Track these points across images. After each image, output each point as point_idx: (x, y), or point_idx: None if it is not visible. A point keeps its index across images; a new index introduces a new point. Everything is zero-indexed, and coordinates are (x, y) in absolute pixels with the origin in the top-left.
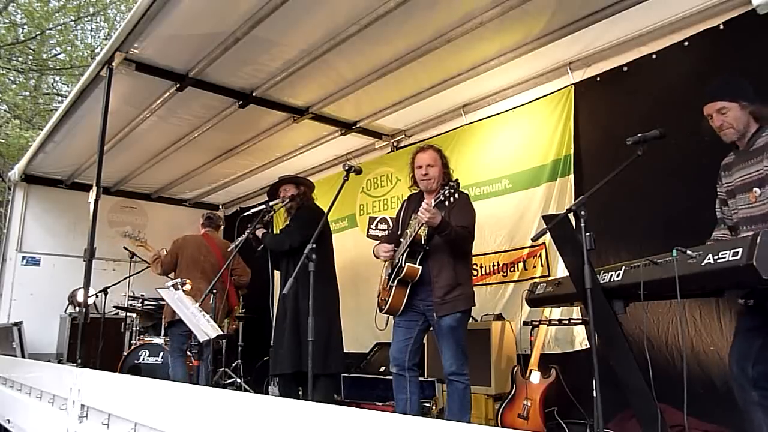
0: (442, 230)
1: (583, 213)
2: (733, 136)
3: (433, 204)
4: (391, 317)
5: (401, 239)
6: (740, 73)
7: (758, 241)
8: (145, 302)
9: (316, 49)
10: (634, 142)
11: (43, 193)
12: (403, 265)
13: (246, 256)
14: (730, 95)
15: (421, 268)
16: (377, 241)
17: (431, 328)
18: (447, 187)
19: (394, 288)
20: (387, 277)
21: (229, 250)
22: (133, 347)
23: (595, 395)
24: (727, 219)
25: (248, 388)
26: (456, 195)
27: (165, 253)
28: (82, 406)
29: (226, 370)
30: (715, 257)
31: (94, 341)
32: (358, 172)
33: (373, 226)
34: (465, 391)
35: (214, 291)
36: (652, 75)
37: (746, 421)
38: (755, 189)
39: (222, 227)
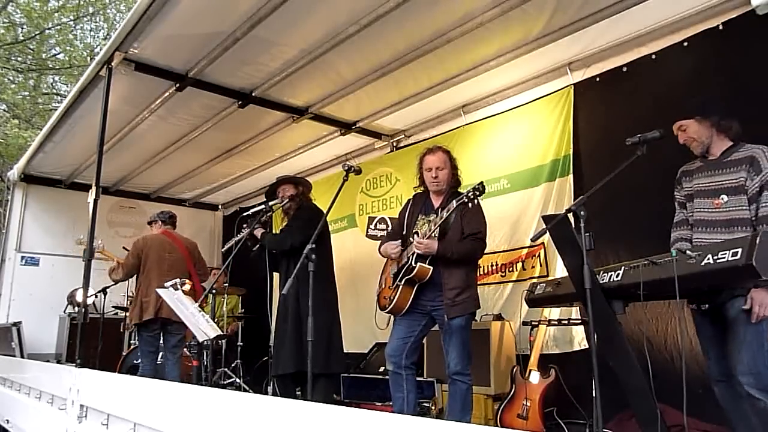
0: (443, 255)
1: (582, 213)
2: (698, 148)
3: (455, 205)
4: (391, 316)
5: (410, 238)
6: (739, 74)
7: (758, 241)
8: None
9: (315, 49)
10: (634, 142)
11: (43, 193)
12: (413, 265)
13: (242, 257)
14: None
15: (432, 268)
16: (378, 241)
17: (434, 328)
18: (473, 190)
19: (400, 287)
20: (392, 276)
21: (223, 250)
22: (132, 347)
23: (594, 395)
24: (689, 219)
25: (248, 389)
26: (479, 199)
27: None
28: (81, 406)
29: (226, 370)
30: (715, 257)
31: (94, 341)
32: (358, 172)
33: (372, 226)
34: (467, 391)
35: (214, 291)
36: (651, 75)
37: (735, 418)
38: (722, 196)
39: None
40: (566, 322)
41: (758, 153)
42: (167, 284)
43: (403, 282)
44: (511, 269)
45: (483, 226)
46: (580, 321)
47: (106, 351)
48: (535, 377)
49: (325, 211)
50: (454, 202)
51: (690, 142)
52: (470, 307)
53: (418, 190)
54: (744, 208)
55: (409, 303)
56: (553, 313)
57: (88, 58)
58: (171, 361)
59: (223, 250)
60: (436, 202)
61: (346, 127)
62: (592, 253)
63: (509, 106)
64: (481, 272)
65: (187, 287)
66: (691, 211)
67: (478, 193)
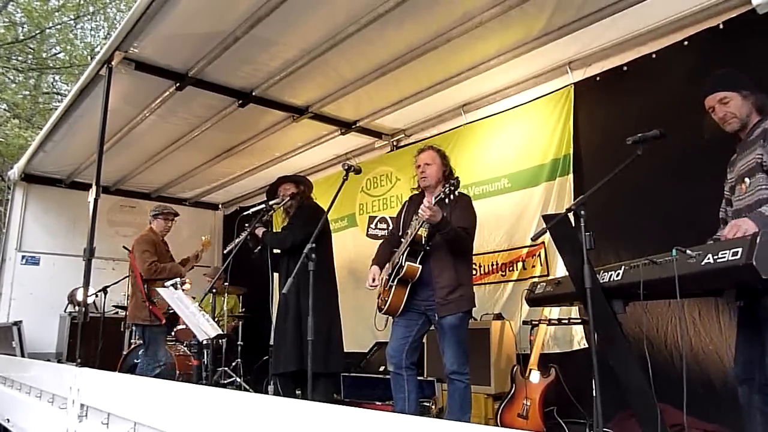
0: (441, 228)
1: (582, 212)
2: (735, 126)
3: (433, 201)
4: (390, 317)
5: (402, 239)
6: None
7: (758, 240)
8: None
9: (315, 49)
10: (634, 141)
11: (43, 192)
12: (403, 264)
13: (242, 257)
14: (731, 86)
15: (421, 267)
16: (379, 241)
17: (432, 328)
18: (447, 185)
19: (393, 287)
20: (387, 277)
21: (226, 252)
22: (132, 346)
23: (594, 395)
24: (729, 218)
25: (248, 388)
26: (456, 192)
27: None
28: (82, 405)
29: (226, 369)
30: (715, 257)
31: (94, 340)
32: (358, 171)
33: (372, 226)
34: (465, 390)
35: (214, 290)
36: (651, 75)
37: (746, 422)
38: (746, 179)
39: (160, 219)
40: (566, 321)
41: None
42: (167, 284)
43: (395, 282)
44: (511, 269)
45: (471, 223)
46: (580, 320)
47: (107, 350)
48: (535, 376)
49: (325, 210)
50: (432, 198)
51: (729, 117)
52: (463, 305)
53: (416, 191)
54: (764, 186)
55: (404, 303)
56: (553, 312)
57: (89, 58)
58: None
59: (225, 251)
60: (430, 199)
61: (346, 127)
62: (593, 252)
63: (509, 105)
64: (482, 272)
65: (187, 286)
66: (734, 202)
67: (453, 188)
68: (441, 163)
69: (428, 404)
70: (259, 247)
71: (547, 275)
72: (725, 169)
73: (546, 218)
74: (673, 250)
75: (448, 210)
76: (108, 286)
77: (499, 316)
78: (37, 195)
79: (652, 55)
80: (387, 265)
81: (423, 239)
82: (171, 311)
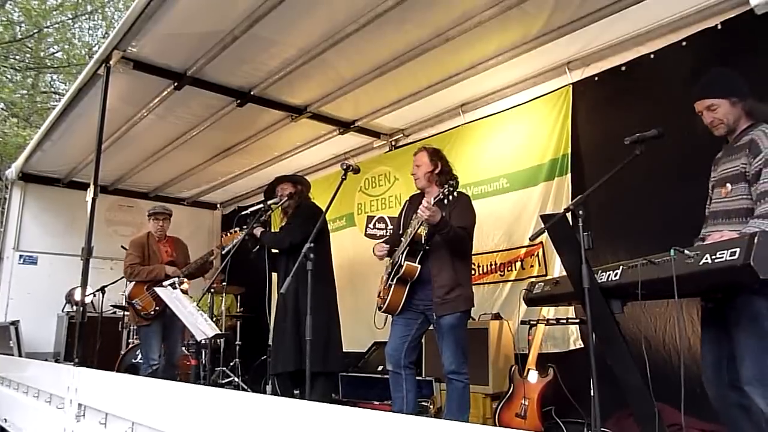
0: (441, 228)
1: (581, 212)
2: (723, 131)
3: (432, 202)
4: (389, 316)
5: (402, 239)
6: (738, 74)
7: (756, 240)
8: None
9: (314, 48)
10: (632, 141)
11: (41, 191)
12: (402, 264)
13: (240, 256)
14: (720, 92)
15: (419, 266)
16: (376, 240)
17: (431, 327)
18: (447, 186)
19: (393, 286)
20: (387, 275)
21: (224, 251)
22: (130, 346)
23: (592, 394)
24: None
25: (246, 387)
26: (455, 193)
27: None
28: (80, 405)
29: (224, 369)
30: (713, 257)
31: (92, 340)
32: (356, 171)
33: (371, 225)
34: (464, 390)
35: (212, 290)
36: (650, 75)
37: (727, 424)
38: (727, 184)
39: (150, 219)
40: (565, 321)
41: (757, 134)
42: (165, 283)
43: (394, 281)
44: (509, 268)
45: (470, 222)
46: (579, 320)
47: (105, 350)
48: (533, 376)
49: (324, 210)
50: (432, 199)
51: (716, 123)
52: (460, 305)
53: (418, 191)
54: (745, 196)
55: (403, 302)
56: (552, 311)
57: (87, 57)
58: None
59: (223, 251)
60: (429, 199)
61: (344, 126)
62: (591, 252)
63: (508, 105)
64: (480, 272)
65: (185, 286)
66: (711, 202)
67: (452, 188)
68: (428, 162)
69: (427, 404)
70: (257, 247)
71: (546, 275)
72: None
73: (544, 218)
74: (671, 250)
75: (448, 210)
76: (106, 286)
77: (497, 316)
78: (35, 194)
79: (650, 55)
80: (387, 263)
81: (422, 239)
82: (153, 313)
